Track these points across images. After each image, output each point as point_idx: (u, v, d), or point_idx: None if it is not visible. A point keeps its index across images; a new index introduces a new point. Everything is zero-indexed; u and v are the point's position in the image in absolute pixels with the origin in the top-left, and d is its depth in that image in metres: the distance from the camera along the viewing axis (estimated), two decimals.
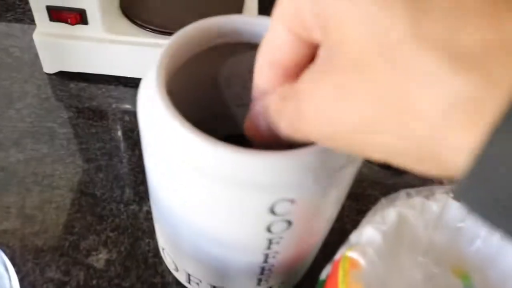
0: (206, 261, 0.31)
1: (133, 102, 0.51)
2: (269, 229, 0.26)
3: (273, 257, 0.29)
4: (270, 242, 0.27)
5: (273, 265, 0.30)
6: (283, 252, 0.29)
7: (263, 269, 0.31)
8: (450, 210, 0.33)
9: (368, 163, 0.47)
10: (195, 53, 0.29)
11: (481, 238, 0.34)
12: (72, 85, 0.52)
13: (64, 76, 0.52)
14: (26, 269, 0.38)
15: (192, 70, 0.31)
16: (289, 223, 0.26)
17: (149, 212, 0.42)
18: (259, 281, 0.32)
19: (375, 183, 0.46)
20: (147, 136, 0.25)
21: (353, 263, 0.29)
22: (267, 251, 0.28)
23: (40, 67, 0.52)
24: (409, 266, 0.34)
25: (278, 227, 0.26)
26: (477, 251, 0.34)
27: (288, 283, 0.35)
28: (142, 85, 0.27)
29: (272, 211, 0.24)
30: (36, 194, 0.42)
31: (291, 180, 0.23)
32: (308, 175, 0.24)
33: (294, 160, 0.23)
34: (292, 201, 0.24)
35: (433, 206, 0.33)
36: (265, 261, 0.29)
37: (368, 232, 0.30)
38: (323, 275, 0.33)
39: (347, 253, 0.29)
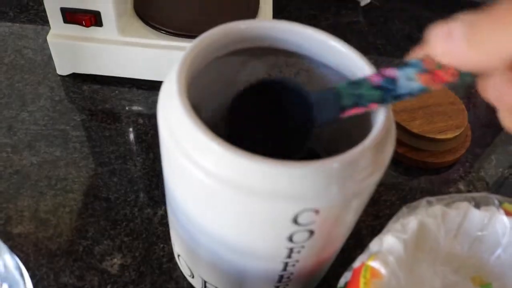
0: (223, 268, 0.30)
1: (147, 104, 0.51)
2: (291, 239, 0.26)
3: (293, 265, 0.29)
4: (291, 251, 0.27)
5: (292, 273, 0.30)
6: (303, 260, 0.29)
7: (281, 277, 0.30)
8: (471, 219, 0.33)
9: None
10: (215, 57, 0.29)
11: (502, 246, 0.33)
12: (85, 87, 0.52)
13: (77, 78, 0.52)
14: (40, 274, 0.38)
15: (212, 75, 0.31)
16: (311, 232, 0.26)
17: (163, 217, 0.42)
18: None
19: (391, 188, 0.45)
20: (168, 142, 0.25)
21: (374, 273, 0.28)
22: (287, 260, 0.28)
23: (53, 69, 0.52)
24: (428, 275, 0.33)
25: (300, 237, 0.26)
26: (497, 259, 0.34)
27: None
28: (163, 89, 0.27)
29: (295, 221, 0.24)
30: (50, 198, 0.42)
31: (316, 190, 0.23)
32: (334, 186, 0.23)
33: (320, 170, 0.23)
34: (316, 211, 0.24)
35: (454, 214, 0.32)
36: (284, 269, 0.29)
37: (389, 241, 0.30)
38: (341, 282, 0.33)
39: (368, 262, 0.29)
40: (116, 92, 0.51)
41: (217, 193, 0.24)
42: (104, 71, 0.51)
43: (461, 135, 0.48)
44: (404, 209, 0.32)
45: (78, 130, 0.48)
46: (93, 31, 0.48)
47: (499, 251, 0.33)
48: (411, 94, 0.23)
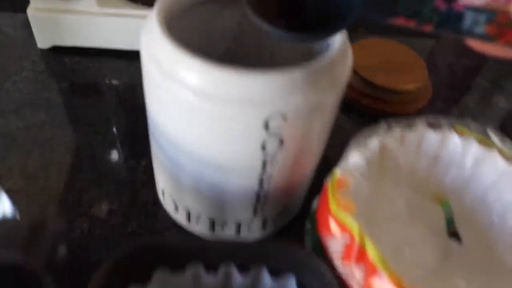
0: (205, 191, 0.33)
1: (126, 73, 0.53)
2: (263, 147, 0.29)
3: (268, 181, 0.32)
4: (264, 163, 0.30)
5: (268, 192, 0.33)
6: (277, 176, 0.32)
7: (258, 196, 0.33)
8: (427, 140, 0.36)
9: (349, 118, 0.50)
10: (191, 4, 0.32)
11: (456, 165, 0.37)
12: (66, 59, 0.54)
13: (58, 51, 0.54)
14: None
15: (188, 21, 0.34)
16: (282, 142, 0.29)
17: (147, 167, 0.44)
18: (255, 211, 0.35)
19: None
20: (148, 66, 0.28)
21: (341, 183, 0.31)
22: (262, 175, 0.31)
23: (34, 44, 0.54)
24: (392, 195, 0.37)
25: (272, 146, 0.29)
26: (453, 178, 0.37)
27: (281, 216, 0.38)
28: (143, 27, 0.30)
29: (266, 126, 0.27)
30: (37, 156, 0.44)
31: (283, 96, 0.26)
32: (298, 92, 0.26)
33: (284, 77, 0.26)
34: (284, 117, 0.27)
35: (412, 136, 0.36)
36: (260, 185, 0.32)
37: (354, 158, 0.33)
38: (314, 205, 0.36)
39: (335, 174, 0.32)
40: (97, 62, 0.54)
41: (195, 106, 0.27)
42: (84, 42, 0.54)
43: (423, 87, 0.52)
44: (365, 131, 0.35)
45: (61, 98, 0.50)
46: (72, 3, 0.50)
47: (454, 170, 0.37)
48: (470, 35, 0.23)
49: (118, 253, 0.28)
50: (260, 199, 0.33)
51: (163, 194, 0.38)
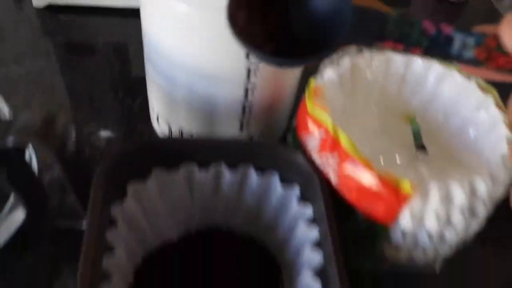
0: (197, 105, 0.37)
1: (120, 29, 0.57)
2: (248, 55, 0.33)
3: (252, 92, 0.36)
4: (248, 72, 0.34)
5: (252, 104, 0.37)
6: (260, 87, 0.36)
7: (244, 108, 0.37)
8: (393, 63, 0.40)
9: None
10: None
11: (420, 85, 0.41)
12: (61, 17, 0.58)
13: (53, 10, 0.58)
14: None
15: None
16: None
17: (142, 104, 0.48)
18: (241, 126, 0.39)
19: None
20: None
21: (317, 91, 0.35)
22: (247, 84, 0.35)
23: (29, 3, 0.58)
24: (365, 113, 0.41)
25: None
26: (419, 97, 0.41)
27: (266, 135, 0.42)
28: None
29: None
30: (39, 98, 0.48)
31: None
32: None
33: None
34: None
35: (381, 58, 0.40)
36: (246, 96, 0.36)
37: (328, 73, 0.37)
38: (294, 123, 0.40)
39: (311, 83, 0.36)
40: (92, 20, 0.57)
41: (186, 16, 0.30)
42: (78, 0, 0.57)
43: None
44: (338, 53, 0.39)
45: (59, 50, 0.53)
46: None
47: (419, 89, 0.41)
48: (458, 59, 0.22)
49: (118, 151, 0.32)
50: (245, 112, 0.37)
51: (157, 120, 0.42)
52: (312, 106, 0.34)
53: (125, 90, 0.49)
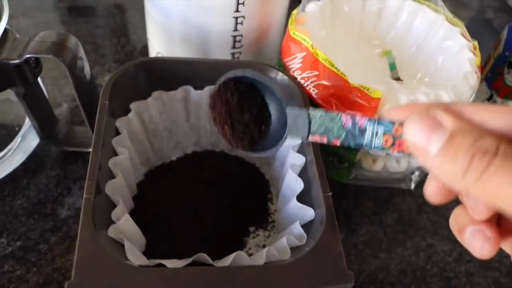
0: (192, 36, 0.41)
1: None
2: None
3: (241, 23, 0.40)
4: (237, 2, 0.38)
5: (242, 36, 0.41)
6: (249, 18, 0.39)
7: (235, 40, 0.41)
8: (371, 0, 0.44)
9: None
10: None
11: (395, 20, 0.45)
12: None
13: None
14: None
15: None
16: None
17: (142, 51, 0.52)
18: (233, 58, 0.43)
19: None
20: None
21: (299, 20, 0.39)
22: (236, 14, 0.39)
23: None
24: (345, 45, 0.45)
25: None
26: (394, 32, 0.45)
27: None
28: None
29: None
30: None
31: None
32: None
33: None
34: None
35: None
36: (235, 27, 0.40)
37: (309, 6, 0.41)
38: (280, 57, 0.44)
39: (293, 14, 0.40)
40: None
41: None
42: None
43: None
44: None
45: (65, 4, 0.57)
46: None
47: (394, 24, 0.45)
48: (370, 148, 0.23)
49: (122, 67, 0.36)
50: (236, 43, 0.41)
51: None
52: (294, 31, 0.38)
53: (126, 39, 0.53)
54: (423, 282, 0.38)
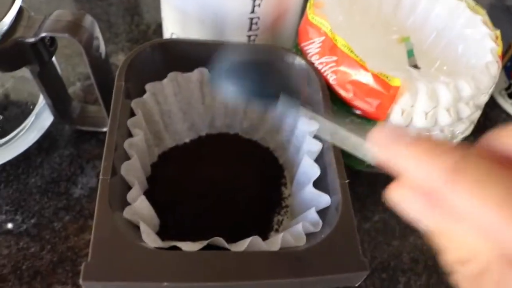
0: (207, 19, 0.40)
1: None
2: None
3: (259, 6, 0.39)
4: None
5: (259, 19, 0.40)
6: (266, 1, 0.39)
7: (251, 22, 0.40)
8: None
9: None
10: None
11: (414, 7, 0.44)
12: None
13: None
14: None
15: None
16: None
17: (156, 30, 0.51)
18: (249, 41, 0.42)
19: None
20: None
21: (317, 4, 0.39)
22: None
23: None
24: (362, 33, 0.44)
25: None
26: (413, 19, 0.44)
27: None
28: None
29: None
30: None
31: None
32: None
33: None
34: None
35: None
36: (253, 9, 0.39)
37: None
38: (297, 40, 0.43)
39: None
40: None
41: None
42: None
43: None
44: None
45: None
46: None
47: (413, 11, 0.44)
48: None
49: (138, 48, 0.35)
50: (253, 25, 0.41)
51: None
52: (312, 15, 0.37)
53: (140, 18, 0.53)
54: (435, 272, 0.38)
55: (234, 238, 0.31)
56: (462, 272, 0.16)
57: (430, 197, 0.16)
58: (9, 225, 0.36)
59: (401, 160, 0.16)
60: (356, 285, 0.28)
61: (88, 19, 0.33)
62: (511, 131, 0.16)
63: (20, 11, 0.33)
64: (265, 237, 0.35)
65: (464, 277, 0.16)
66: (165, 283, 0.25)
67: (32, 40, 0.32)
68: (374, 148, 0.17)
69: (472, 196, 0.14)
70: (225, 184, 0.37)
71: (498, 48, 0.38)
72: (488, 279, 0.15)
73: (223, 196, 0.36)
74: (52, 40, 0.35)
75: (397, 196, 0.17)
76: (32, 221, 0.37)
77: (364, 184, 0.42)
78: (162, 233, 0.32)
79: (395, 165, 0.16)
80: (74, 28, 0.32)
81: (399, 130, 0.16)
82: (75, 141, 0.42)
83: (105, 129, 0.41)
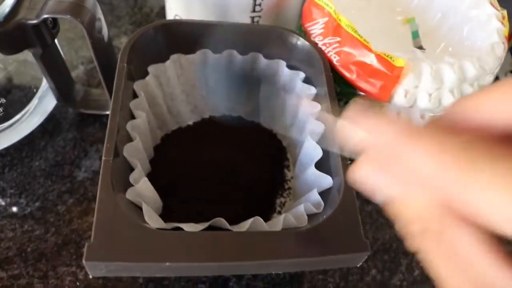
0: (211, 5, 0.40)
1: None
2: None
3: None
4: None
5: (262, 0, 0.40)
6: None
7: (254, 3, 0.40)
8: None
9: None
10: None
11: None
12: None
13: None
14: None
15: None
16: None
17: (159, 12, 0.51)
18: (252, 23, 0.42)
19: None
20: None
21: None
22: None
23: None
24: (366, 15, 0.43)
25: None
26: (418, 1, 0.44)
27: None
28: None
29: None
30: None
31: None
32: None
33: None
34: None
35: None
36: None
37: None
38: (300, 22, 0.43)
39: None
40: None
41: None
42: None
43: None
44: None
45: None
46: None
47: None
48: None
49: (140, 29, 0.35)
50: (256, 7, 0.40)
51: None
52: None
53: (142, 0, 0.52)
54: None
55: (237, 220, 0.31)
56: (411, 233, 0.17)
57: (385, 167, 0.17)
58: (14, 208, 0.37)
59: (366, 127, 0.17)
60: (358, 265, 0.29)
61: (90, 1, 0.33)
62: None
63: None
64: (267, 219, 0.35)
65: (412, 238, 0.17)
66: (168, 263, 0.25)
67: (34, 22, 0.32)
68: (343, 122, 0.18)
69: (417, 148, 0.15)
70: (228, 166, 0.37)
71: (504, 29, 0.37)
72: (430, 233, 0.16)
73: (225, 179, 0.36)
74: (55, 22, 0.35)
75: (360, 172, 0.18)
76: (37, 204, 0.37)
77: None
78: (165, 215, 0.32)
79: (360, 136, 0.17)
80: (76, 9, 0.32)
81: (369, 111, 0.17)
82: (78, 125, 0.42)
83: (108, 112, 0.41)
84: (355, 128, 0.17)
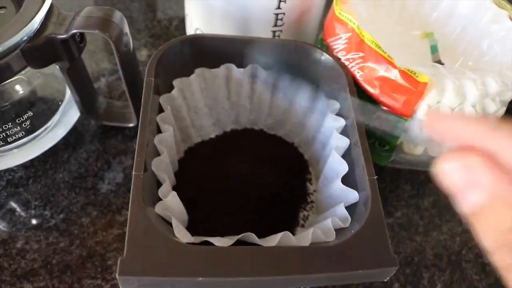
0: (232, 16, 0.40)
1: None
2: None
3: (284, 1, 0.39)
4: None
5: (284, 14, 0.40)
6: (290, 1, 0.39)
7: (276, 18, 0.40)
8: None
9: None
10: None
11: (440, 1, 0.44)
12: None
13: None
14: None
15: None
16: None
17: (178, 25, 0.51)
18: (274, 36, 0.42)
19: None
20: None
21: (343, 0, 0.39)
22: None
23: None
24: (386, 29, 0.44)
25: None
26: (438, 13, 0.44)
27: None
28: None
29: None
30: None
31: None
32: None
33: None
34: None
35: None
36: (278, 5, 0.39)
37: None
38: (320, 35, 0.43)
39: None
40: None
41: None
42: None
43: None
44: None
45: None
46: None
47: (437, 7, 0.44)
48: None
49: (166, 44, 0.36)
50: (278, 21, 0.41)
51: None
52: (339, 11, 0.37)
53: (162, 13, 0.53)
54: (458, 267, 0.38)
55: (260, 233, 0.31)
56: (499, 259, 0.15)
57: (471, 170, 0.16)
58: (39, 220, 0.37)
59: (451, 124, 0.17)
60: (386, 280, 0.29)
61: (118, 15, 0.34)
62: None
63: (51, 8, 0.33)
64: (291, 233, 0.35)
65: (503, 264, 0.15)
66: (200, 278, 0.25)
67: (63, 36, 0.33)
68: (425, 121, 0.18)
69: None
70: (251, 179, 0.37)
71: None
72: None
73: (248, 192, 0.36)
74: (82, 36, 0.35)
75: (444, 166, 0.17)
76: (61, 216, 0.37)
77: (386, 180, 0.43)
78: (190, 229, 0.33)
79: (444, 132, 0.18)
80: (105, 24, 0.33)
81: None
82: (101, 137, 0.42)
83: (131, 124, 0.41)
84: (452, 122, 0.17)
